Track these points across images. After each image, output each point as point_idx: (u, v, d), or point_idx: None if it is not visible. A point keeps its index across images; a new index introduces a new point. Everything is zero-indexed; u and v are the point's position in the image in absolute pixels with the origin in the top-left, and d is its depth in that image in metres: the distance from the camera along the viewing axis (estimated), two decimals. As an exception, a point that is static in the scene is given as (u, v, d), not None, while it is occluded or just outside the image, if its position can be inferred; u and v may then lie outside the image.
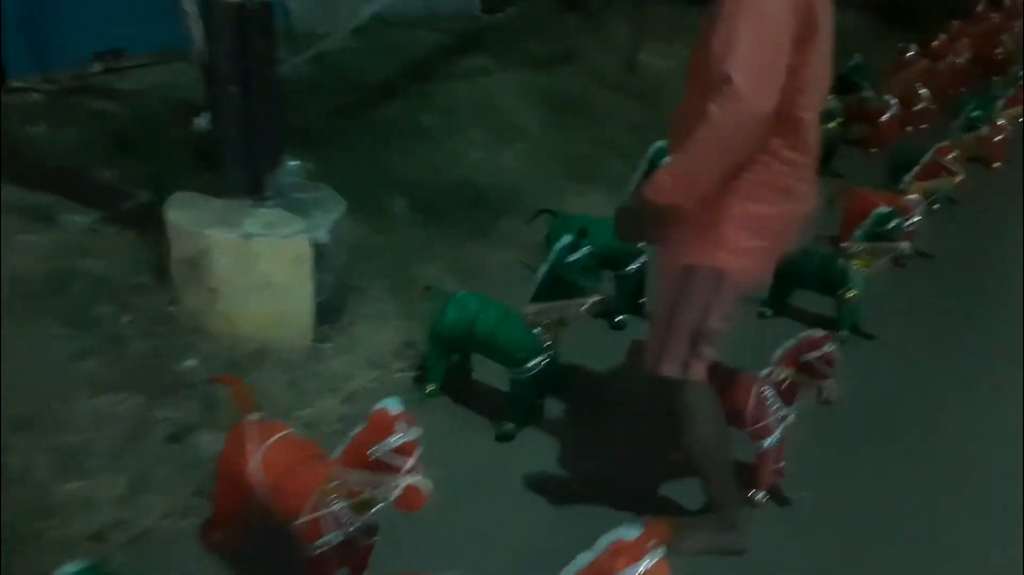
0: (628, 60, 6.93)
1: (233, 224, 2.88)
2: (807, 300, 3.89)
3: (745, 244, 2.13)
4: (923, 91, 6.39)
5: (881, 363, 3.56)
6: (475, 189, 4.63)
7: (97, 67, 4.88)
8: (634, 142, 5.27)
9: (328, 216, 3.05)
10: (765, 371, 2.53)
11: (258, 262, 2.87)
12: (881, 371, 3.48)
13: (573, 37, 7.21)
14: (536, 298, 2.82)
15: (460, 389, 3.04)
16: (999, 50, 8.33)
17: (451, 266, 3.87)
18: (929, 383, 3.42)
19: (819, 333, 2.50)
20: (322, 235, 2.97)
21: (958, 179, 4.91)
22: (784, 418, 2.49)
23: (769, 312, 3.91)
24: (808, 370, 2.46)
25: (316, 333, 3.08)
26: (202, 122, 3.86)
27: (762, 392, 2.49)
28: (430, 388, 3.00)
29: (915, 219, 4.09)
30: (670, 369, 2.22)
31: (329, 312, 3.10)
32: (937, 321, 4.03)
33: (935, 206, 4.92)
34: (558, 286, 2.77)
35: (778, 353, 2.55)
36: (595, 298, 2.75)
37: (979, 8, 9.13)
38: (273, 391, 2.81)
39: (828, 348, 2.44)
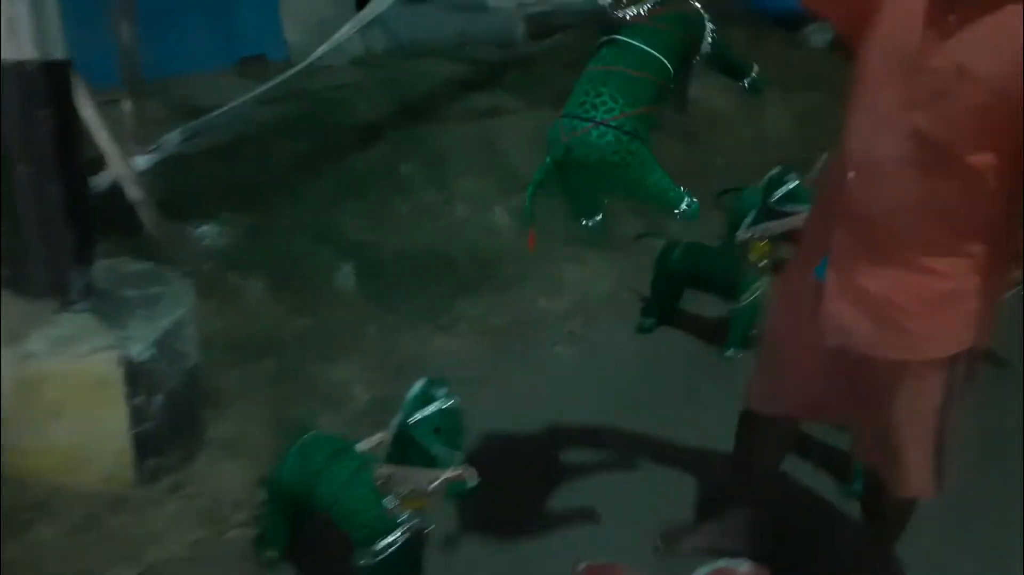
0: (676, 96, 6.05)
1: (17, 337, 2.26)
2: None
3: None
4: None
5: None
6: (443, 256, 3.91)
7: None
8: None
9: (157, 323, 2.39)
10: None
11: (43, 388, 2.24)
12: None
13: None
14: (390, 458, 2.08)
15: (311, 557, 2.32)
16: None
17: (372, 362, 3.16)
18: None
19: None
20: (139, 350, 2.31)
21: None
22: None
23: (650, 322, 3.53)
24: None
25: (138, 473, 2.42)
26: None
27: None
28: (269, 554, 2.30)
29: None
30: (931, 487, 1.87)
31: (157, 444, 2.43)
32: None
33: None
34: (409, 448, 2.03)
35: None
36: (450, 473, 1.98)
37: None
38: (50, 557, 2.17)
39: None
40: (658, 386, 3.26)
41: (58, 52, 2.20)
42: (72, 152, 2.26)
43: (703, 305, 3.67)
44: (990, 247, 1.65)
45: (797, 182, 3.28)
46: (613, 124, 1.86)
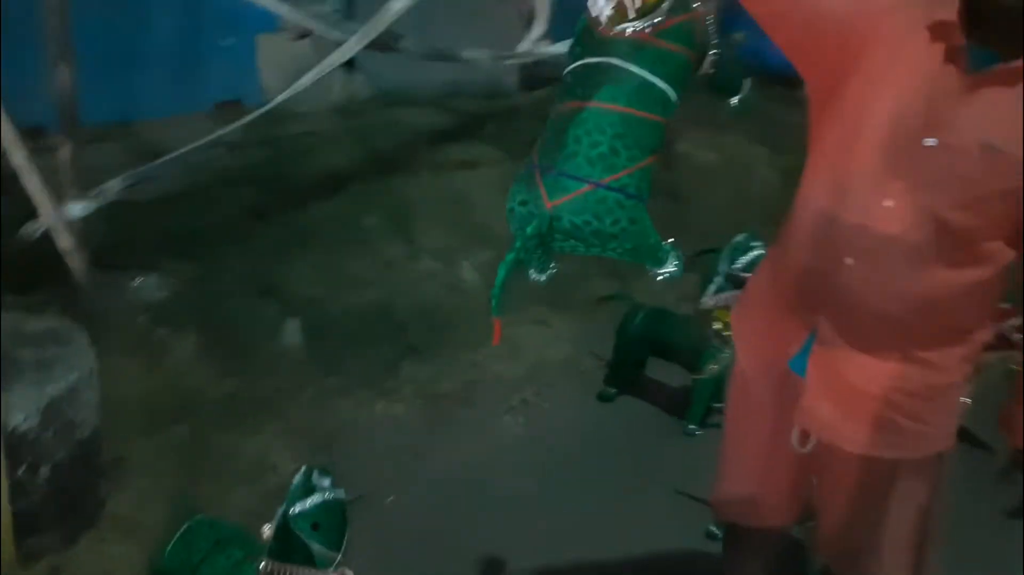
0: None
1: None
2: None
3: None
4: None
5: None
6: (396, 314, 3.73)
7: None
8: None
9: (45, 389, 2.22)
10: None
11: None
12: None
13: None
14: (270, 551, 1.89)
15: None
16: None
17: (302, 430, 2.97)
18: None
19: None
20: (21, 419, 2.14)
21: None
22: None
23: (611, 392, 3.41)
24: None
25: (17, 551, 2.23)
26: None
27: None
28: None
29: None
30: None
31: (40, 522, 2.25)
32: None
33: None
34: (291, 541, 1.83)
35: None
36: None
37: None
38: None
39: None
40: (611, 461, 3.07)
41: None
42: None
43: (670, 372, 3.47)
44: (984, 334, 1.56)
45: (762, 251, 3.09)
46: (615, 186, 1.47)
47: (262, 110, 3.82)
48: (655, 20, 1.42)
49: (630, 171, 1.46)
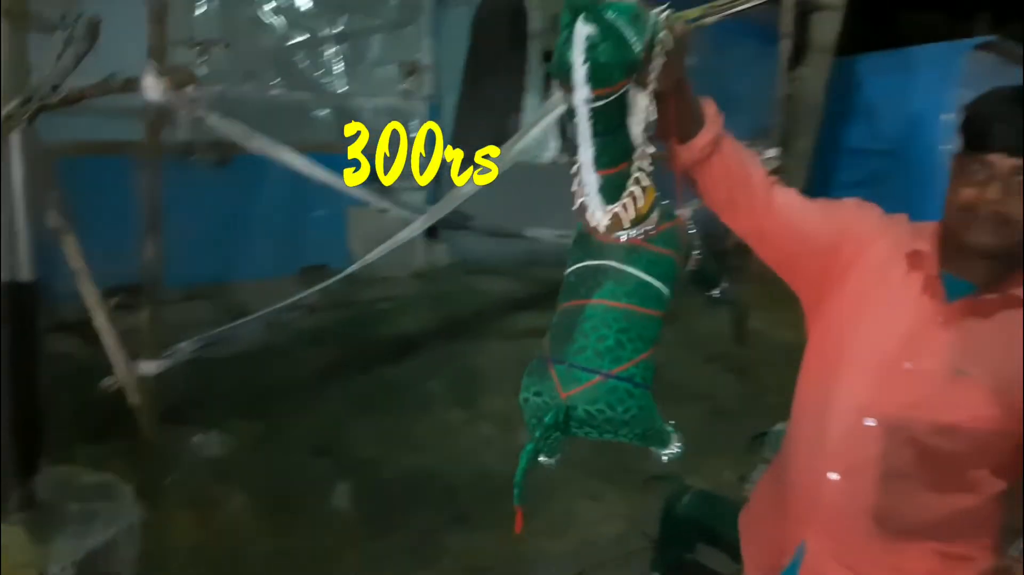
0: (736, 326, 5.91)
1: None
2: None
3: None
4: None
5: None
6: (450, 479, 3.75)
7: None
8: (711, 431, 4.20)
9: (85, 542, 2.32)
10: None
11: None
12: None
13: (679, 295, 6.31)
14: None
15: None
16: None
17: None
18: None
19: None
20: (57, 570, 2.23)
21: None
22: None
23: None
24: None
25: None
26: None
27: None
28: None
29: None
30: None
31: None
32: None
33: None
34: None
35: None
36: None
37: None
38: None
39: None
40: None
41: (23, 274, 2.29)
42: (26, 368, 2.30)
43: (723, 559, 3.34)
44: (984, 563, 1.49)
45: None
46: (624, 376, 1.55)
47: (341, 275, 4.06)
48: (646, 228, 1.54)
49: (635, 362, 1.53)
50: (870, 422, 1.43)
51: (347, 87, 6.03)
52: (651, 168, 1.46)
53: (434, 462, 3.85)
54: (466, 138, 6.91)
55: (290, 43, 5.78)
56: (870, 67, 10.07)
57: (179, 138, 4.81)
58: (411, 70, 6.37)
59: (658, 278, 1.58)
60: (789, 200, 1.51)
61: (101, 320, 3.14)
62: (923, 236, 1.46)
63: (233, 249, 5.33)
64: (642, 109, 1.38)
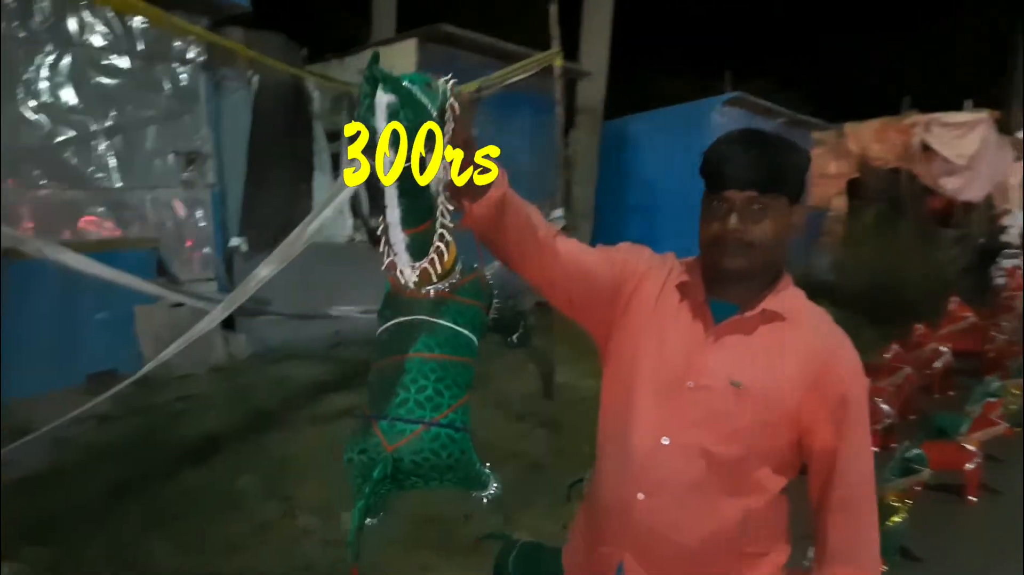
0: (544, 381, 6.10)
1: None
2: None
3: None
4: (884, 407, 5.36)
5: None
6: (271, 576, 3.59)
7: None
8: (530, 485, 4.26)
9: None
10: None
11: None
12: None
13: (489, 358, 6.45)
14: None
15: None
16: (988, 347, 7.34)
17: None
18: None
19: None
20: None
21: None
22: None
23: None
24: None
25: None
26: None
27: None
28: None
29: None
30: None
31: None
32: None
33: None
34: None
35: None
36: None
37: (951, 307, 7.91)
38: None
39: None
40: None
41: None
42: None
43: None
44: (780, 556, 1.64)
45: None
46: (444, 423, 1.63)
47: (132, 378, 3.84)
48: (451, 281, 1.65)
49: (454, 407, 1.64)
50: (665, 440, 1.57)
51: (122, 182, 5.77)
52: (452, 225, 1.56)
53: (253, 561, 3.66)
54: (255, 223, 6.78)
55: (57, 140, 5.47)
56: (636, 128, 10.90)
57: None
58: (191, 159, 6.20)
59: (466, 327, 1.70)
60: (571, 248, 1.65)
61: None
62: (689, 269, 1.67)
63: (8, 363, 4.89)
64: (440, 169, 1.49)
